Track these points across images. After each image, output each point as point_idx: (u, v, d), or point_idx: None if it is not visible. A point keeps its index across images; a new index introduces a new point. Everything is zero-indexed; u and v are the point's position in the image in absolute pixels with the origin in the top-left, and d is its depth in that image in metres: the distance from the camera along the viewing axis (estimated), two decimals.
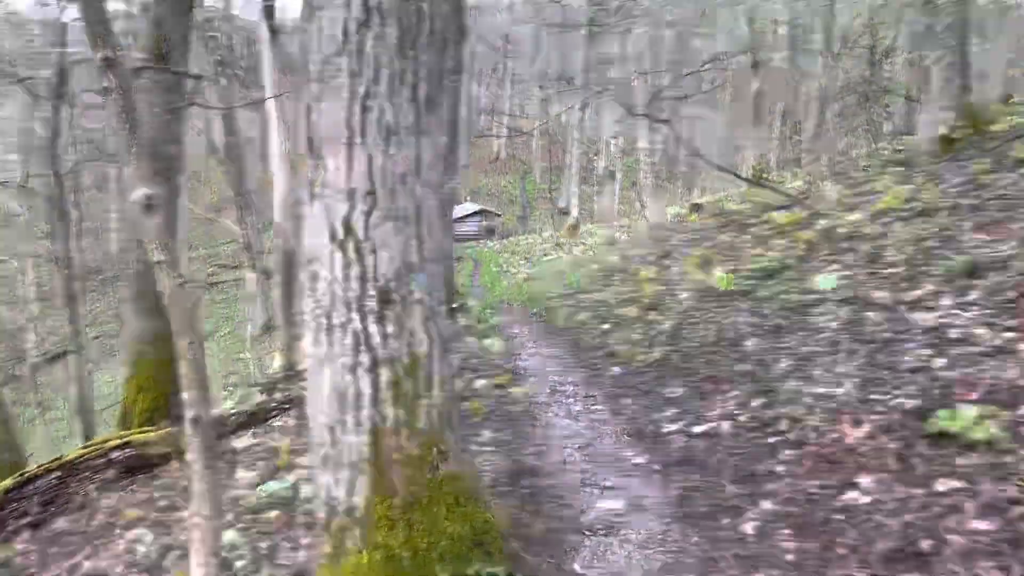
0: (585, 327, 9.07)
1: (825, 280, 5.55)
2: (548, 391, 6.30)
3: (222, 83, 18.60)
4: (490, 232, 42.45)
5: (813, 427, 3.84)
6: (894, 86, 15.87)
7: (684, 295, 8.40)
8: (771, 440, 3.98)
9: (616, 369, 6.61)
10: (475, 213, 42.73)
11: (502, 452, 4.62)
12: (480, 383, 5.90)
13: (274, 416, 8.95)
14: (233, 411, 9.24)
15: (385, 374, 2.83)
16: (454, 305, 13.00)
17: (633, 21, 19.74)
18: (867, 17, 22.70)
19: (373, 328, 2.81)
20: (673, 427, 4.77)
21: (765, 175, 17.83)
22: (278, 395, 8.97)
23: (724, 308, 7.16)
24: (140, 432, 8.82)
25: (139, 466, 8.21)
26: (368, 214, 2.78)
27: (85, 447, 8.68)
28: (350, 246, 2.79)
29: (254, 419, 9.18)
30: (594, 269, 14.56)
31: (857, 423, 3.70)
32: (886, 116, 18.71)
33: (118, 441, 8.58)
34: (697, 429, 4.58)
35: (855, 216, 8.00)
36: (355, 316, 2.80)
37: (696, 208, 16.73)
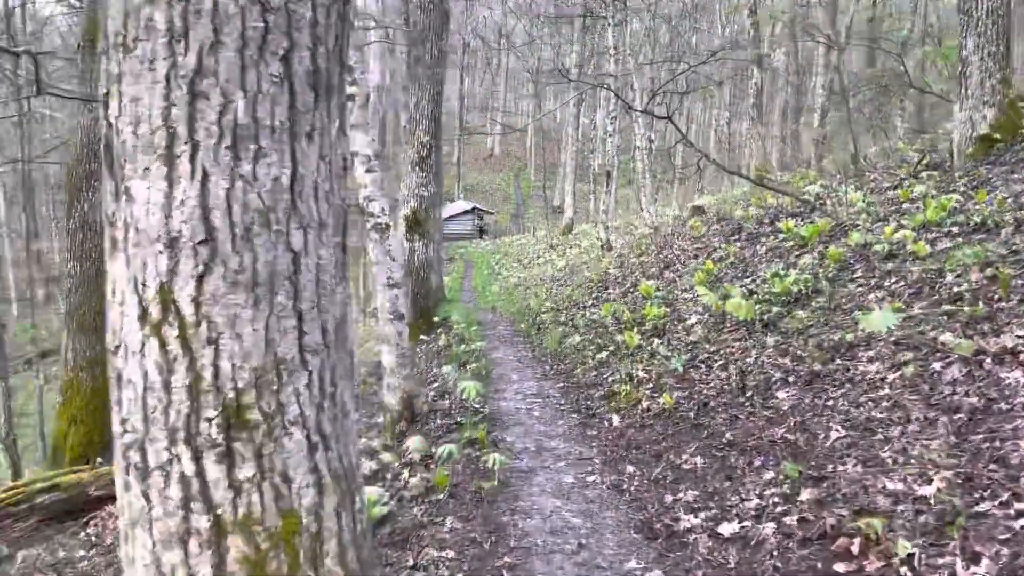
0: (579, 354, 7.91)
1: (883, 317, 4.39)
2: (533, 448, 5.14)
3: None
4: (482, 231, 41.42)
5: (903, 556, 2.69)
6: (919, 80, 14.73)
7: (693, 320, 7.25)
8: (840, 569, 2.83)
9: (616, 419, 5.46)
10: (467, 211, 41.71)
11: (467, 560, 3.46)
12: (448, 446, 4.72)
13: None
14: None
15: (237, 548, 1.66)
16: (436, 319, 11.82)
17: (630, 13, 18.60)
18: (872, 8, 21.62)
19: (214, 471, 1.64)
20: (693, 520, 3.62)
21: (768, 175, 16.70)
22: None
23: (743, 342, 6.01)
24: (72, 472, 7.65)
25: (69, 511, 7.04)
26: (201, 277, 1.61)
27: (7, 490, 7.48)
28: (171, 333, 1.61)
29: None
30: (588, 278, 13.41)
31: (972, 556, 2.56)
32: (900, 113, 17.65)
33: (44, 484, 7.38)
34: (726, 529, 3.43)
35: (890, 229, 6.87)
36: (183, 451, 1.63)
37: (697, 211, 15.59)
